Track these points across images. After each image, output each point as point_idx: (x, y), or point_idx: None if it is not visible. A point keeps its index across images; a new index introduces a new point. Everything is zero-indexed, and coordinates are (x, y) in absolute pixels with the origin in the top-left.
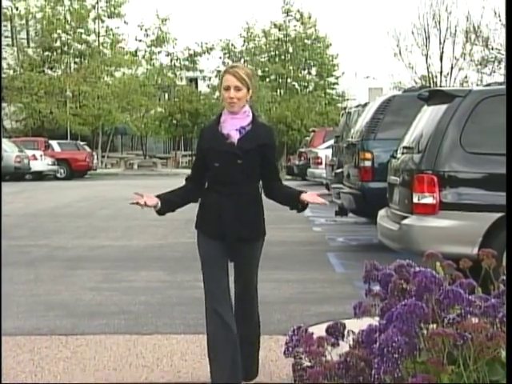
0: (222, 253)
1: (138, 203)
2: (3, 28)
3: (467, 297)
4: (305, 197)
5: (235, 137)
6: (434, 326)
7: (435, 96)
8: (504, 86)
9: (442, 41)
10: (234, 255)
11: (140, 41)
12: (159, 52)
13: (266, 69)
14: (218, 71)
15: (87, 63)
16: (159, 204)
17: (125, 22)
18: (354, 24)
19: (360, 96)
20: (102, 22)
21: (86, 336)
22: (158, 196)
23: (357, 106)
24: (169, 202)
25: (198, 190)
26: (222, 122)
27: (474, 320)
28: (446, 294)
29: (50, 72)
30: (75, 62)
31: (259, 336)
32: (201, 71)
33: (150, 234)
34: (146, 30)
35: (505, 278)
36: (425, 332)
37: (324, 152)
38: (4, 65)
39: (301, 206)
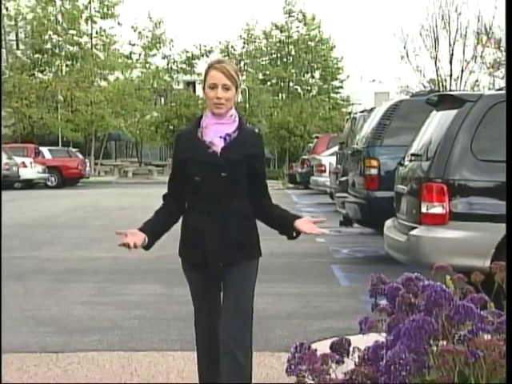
0: (210, 282)
1: (124, 245)
2: None
3: (479, 312)
4: (300, 225)
5: (219, 145)
6: (444, 342)
7: (445, 101)
8: None
9: (452, 43)
10: (224, 284)
11: (134, 45)
12: (154, 55)
13: (267, 72)
14: None
15: (79, 66)
16: (146, 239)
17: (119, 23)
18: (359, 25)
19: (366, 100)
20: (95, 23)
21: (77, 353)
22: (141, 229)
23: (362, 111)
24: (154, 234)
25: (181, 208)
26: (204, 126)
27: (487, 337)
28: (456, 309)
29: (40, 75)
30: (67, 65)
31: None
32: (199, 75)
33: None
34: (139, 33)
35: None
36: (434, 349)
37: (328, 159)
38: None
39: (294, 234)
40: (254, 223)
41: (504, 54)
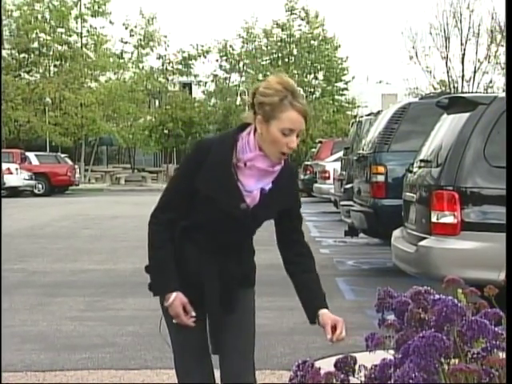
0: (202, 333)
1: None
2: None
3: (493, 328)
4: (325, 321)
5: (254, 199)
6: (456, 361)
7: (456, 103)
8: None
9: (464, 42)
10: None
11: (126, 43)
12: (147, 54)
13: (268, 73)
14: (215, 76)
15: (68, 66)
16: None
17: (110, 22)
18: (365, 23)
19: (372, 103)
20: (85, 21)
21: (65, 372)
22: (176, 289)
23: (368, 115)
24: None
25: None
26: (246, 165)
27: (502, 355)
28: (469, 325)
29: (27, 76)
30: (55, 65)
31: None
32: (195, 76)
33: (139, 256)
34: (131, 30)
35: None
36: (445, 368)
37: (332, 165)
38: None
39: (314, 318)
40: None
41: None
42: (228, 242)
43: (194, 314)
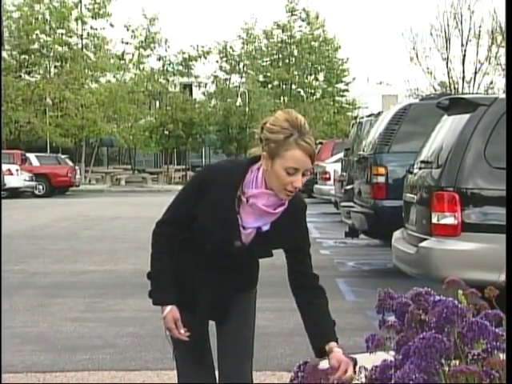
0: (203, 334)
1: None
2: None
3: (494, 329)
4: (333, 360)
5: (250, 236)
6: (457, 362)
7: (456, 104)
8: None
9: (465, 43)
10: (220, 325)
11: (127, 43)
12: (148, 55)
13: (268, 74)
14: (215, 77)
15: (69, 67)
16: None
17: (111, 25)
18: (365, 24)
19: (372, 104)
20: (85, 23)
21: (66, 373)
22: (171, 303)
23: (369, 116)
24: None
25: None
26: (249, 201)
27: (502, 356)
28: (469, 326)
29: (27, 77)
30: (55, 67)
31: None
32: (196, 77)
33: (139, 257)
34: (132, 31)
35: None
36: (446, 369)
37: (332, 166)
38: None
39: (319, 353)
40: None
41: None
42: (225, 264)
43: (182, 331)
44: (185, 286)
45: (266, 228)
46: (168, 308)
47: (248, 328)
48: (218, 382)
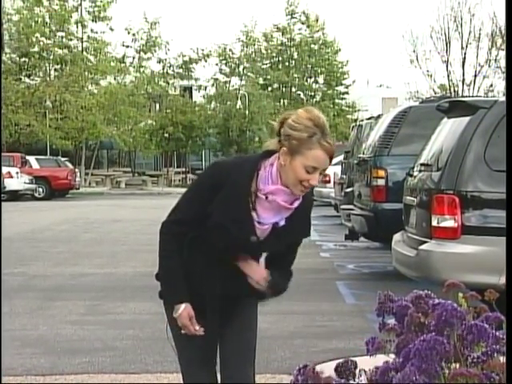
0: (206, 337)
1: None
2: None
3: (494, 332)
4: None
5: (266, 232)
6: (457, 365)
7: (456, 107)
8: None
9: (465, 46)
10: (225, 326)
11: (128, 46)
12: (149, 58)
13: (268, 76)
14: (215, 79)
15: (69, 70)
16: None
17: (111, 29)
18: (365, 27)
19: (372, 107)
20: (85, 26)
21: (66, 376)
22: (184, 300)
23: (369, 118)
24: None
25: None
26: (266, 197)
27: (502, 359)
28: (469, 329)
29: (27, 80)
30: (56, 69)
31: None
32: (196, 79)
33: (140, 260)
34: (133, 35)
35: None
36: (446, 372)
37: (332, 169)
38: None
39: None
40: None
41: None
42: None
43: (197, 327)
44: (192, 287)
45: (282, 223)
46: (182, 306)
47: (251, 332)
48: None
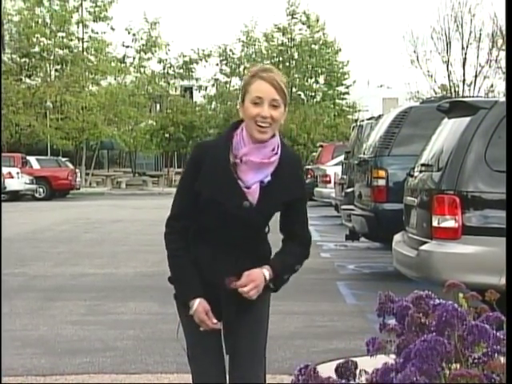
0: (217, 334)
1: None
2: None
3: (494, 333)
4: (247, 272)
5: (255, 193)
6: (457, 365)
7: (457, 107)
8: None
9: (465, 46)
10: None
11: (128, 47)
12: (149, 58)
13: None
14: (216, 80)
15: (69, 71)
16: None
17: (112, 28)
18: (366, 27)
19: (373, 107)
20: (86, 27)
21: (66, 376)
22: (199, 295)
23: (369, 119)
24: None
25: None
26: (242, 160)
27: (503, 359)
28: (470, 329)
29: (28, 80)
30: (56, 70)
31: None
32: (196, 80)
33: (140, 260)
34: (134, 35)
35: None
36: (447, 372)
37: (333, 169)
38: None
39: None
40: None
41: None
42: (240, 240)
43: (215, 320)
44: (204, 281)
45: (267, 179)
46: (196, 301)
47: (264, 328)
48: (229, 380)
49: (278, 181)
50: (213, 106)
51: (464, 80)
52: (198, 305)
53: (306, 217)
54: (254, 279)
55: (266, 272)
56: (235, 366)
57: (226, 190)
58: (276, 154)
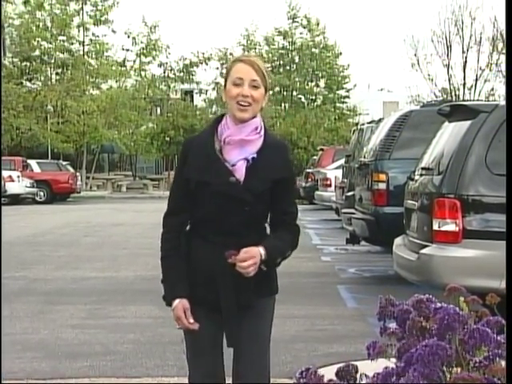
0: (215, 328)
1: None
2: None
3: (495, 337)
4: (245, 249)
5: (241, 170)
6: (458, 369)
7: (457, 111)
8: None
9: (466, 49)
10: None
11: (128, 50)
12: (149, 62)
13: (269, 80)
14: (216, 83)
15: (70, 74)
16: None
17: (113, 31)
18: (366, 31)
19: (373, 111)
20: (87, 30)
21: (66, 380)
22: (181, 296)
23: (370, 122)
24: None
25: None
26: (225, 141)
27: (504, 363)
28: (471, 333)
29: (28, 84)
30: (57, 73)
31: None
32: (197, 83)
33: (140, 264)
34: (133, 38)
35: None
36: (448, 376)
37: (333, 173)
38: None
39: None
40: None
41: None
42: (234, 227)
43: (192, 320)
44: (202, 275)
45: (252, 156)
46: (177, 300)
47: (267, 328)
48: (234, 380)
49: (264, 159)
50: (213, 110)
51: (464, 83)
52: (178, 303)
53: (294, 195)
54: (254, 255)
55: (262, 251)
56: (240, 365)
57: (212, 169)
58: (258, 133)
